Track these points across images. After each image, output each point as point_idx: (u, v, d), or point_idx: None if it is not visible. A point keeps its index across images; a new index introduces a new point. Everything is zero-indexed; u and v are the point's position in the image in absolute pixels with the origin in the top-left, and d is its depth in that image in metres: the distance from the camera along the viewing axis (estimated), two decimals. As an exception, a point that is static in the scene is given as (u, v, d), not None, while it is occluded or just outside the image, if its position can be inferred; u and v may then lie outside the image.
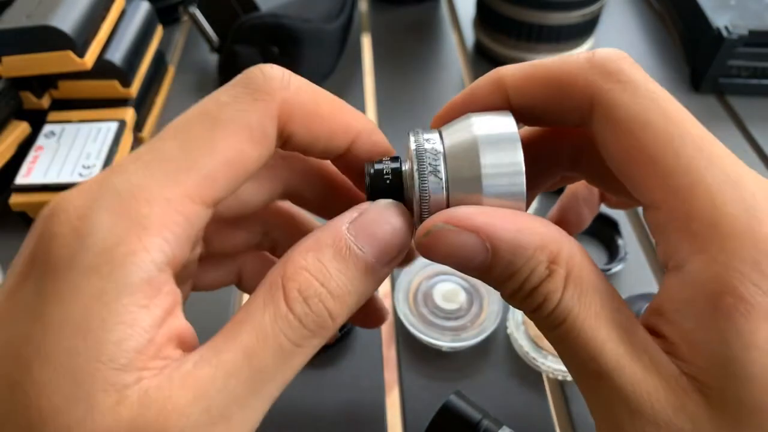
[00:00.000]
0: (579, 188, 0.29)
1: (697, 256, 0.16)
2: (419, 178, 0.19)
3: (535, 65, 0.21)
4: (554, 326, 0.18)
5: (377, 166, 0.21)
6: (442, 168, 0.19)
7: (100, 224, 0.16)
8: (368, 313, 0.28)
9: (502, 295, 0.19)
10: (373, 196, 0.21)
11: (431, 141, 0.20)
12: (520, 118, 0.21)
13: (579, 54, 0.20)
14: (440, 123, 0.21)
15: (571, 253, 0.18)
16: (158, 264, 0.16)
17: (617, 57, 0.19)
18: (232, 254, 0.26)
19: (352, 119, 0.21)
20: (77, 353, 0.15)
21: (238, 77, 0.19)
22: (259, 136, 0.18)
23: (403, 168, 0.21)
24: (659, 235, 0.18)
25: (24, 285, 0.17)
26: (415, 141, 0.20)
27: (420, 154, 0.19)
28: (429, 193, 0.19)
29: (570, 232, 0.27)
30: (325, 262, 0.18)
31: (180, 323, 0.17)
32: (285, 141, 0.20)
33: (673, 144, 0.17)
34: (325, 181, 0.25)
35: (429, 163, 0.19)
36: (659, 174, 0.17)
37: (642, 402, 0.17)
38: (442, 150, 0.19)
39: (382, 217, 0.19)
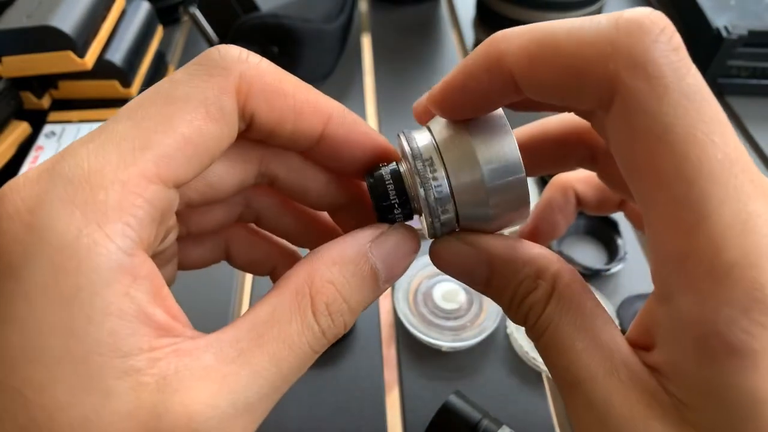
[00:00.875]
0: (554, 196, 0.29)
1: (687, 294, 0.16)
2: (422, 183, 0.19)
3: (544, 40, 0.17)
4: (538, 336, 0.19)
5: (376, 175, 0.21)
6: (438, 162, 0.19)
7: (54, 216, 0.15)
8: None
9: (502, 307, 0.21)
10: (378, 204, 0.21)
11: (422, 138, 0.20)
12: (531, 96, 0.19)
13: (599, 25, 0.16)
14: (438, 106, 0.20)
15: (559, 272, 0.19)
16: (125, 249, 0.16)
17: (650, 36, 0.16)
18: (214, 231, 0.25)
19: (320, 99, 0.20)
20: (70, 351, 0.15)
21: (196, 57, 0.19)
22: (216, 112, 0.18)
23: (401, 169, 0.21)
24: (654, 255, 0.17)
25: None
26: (407, 140, 0.20)
27: (413, 150, 0.20)
28: (433, 195, 0.19)
29: (544, 241, 0.27)
30: (349, 277, 0.19)
31: (170, 303, 0.17)
32: (249, 123, 0.19)
33: (688, 171, 0.15)
34: (302, 163, 0.23)
35: (423, 160, 0.19)
36: (666, 200, 0.16)
37: (612, 413, 0.17)
38: (433, 144, 0.20)
39: (401, 246, 0.20)
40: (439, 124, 0.20)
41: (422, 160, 0.19)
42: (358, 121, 0.21)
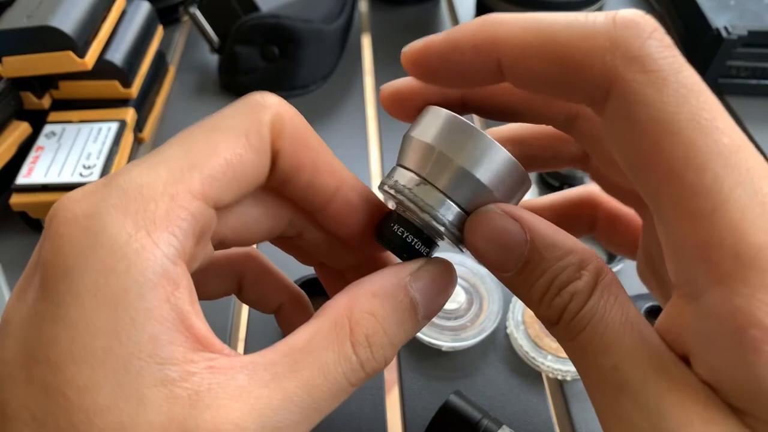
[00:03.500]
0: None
1: (716, 288, 0.15)
2: (422, 210, 0.20)
3: (540, 30, 0.17)
4: (578, 330, 0.18)
5: (386, 231, 0.21)
6: (423, 182, 0.20)
7: (108, 221, 0.16)
8: None
9: (529, 302, 0.19)
10: (405, 255, 0.21)
11: (398, 175, 0.21)
12: (516, 86, 0.19)
13: (597, 20, 0.17)
14: (415, 65, 0.20)
15: (601, 266, 0.18)
16: (170, 258, 0.17)
17: (645, 32, 0.16)
18: (232, 263, 0.27)
19: (338, 165, 0.21)
20: (113, 353, 0.15)
21: (241, 98, 0.20)
22: (255, 142, 0.19)
23: (401, 212, 0.21)
24: (671, 252, 0.16)
25: (33, 286, 0.17)
26: (388, 185, 0.21)
27: (399, 190, 0.20)
28: (439, 213, 0.20)
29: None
30: (390, 311, 0.19)
31: (199, 318, 0.18)
32: (273, 159, 0.20)
33: (697, 158, 0.15)
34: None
35: (410, 189, 0.20)
36: (678, 191, 0.15)
37: (667, 417, 0.16)
38: (410, 173, 0.20)
39: (439, 279, 0.20)
40: (404, 154, 0.21)
41: (409, 190, 0.20)
42: (367, 192, 0.22)
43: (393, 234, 0.21)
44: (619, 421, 0.17)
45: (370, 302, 0.19)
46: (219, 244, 0.21)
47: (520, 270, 0.19)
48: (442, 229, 0.20)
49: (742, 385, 0.15)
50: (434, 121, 0.20)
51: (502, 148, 0.19)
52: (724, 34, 0.50)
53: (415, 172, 0.20)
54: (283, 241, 0.25)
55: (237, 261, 0.27)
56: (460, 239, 0.20)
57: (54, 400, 0.15)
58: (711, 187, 0.15)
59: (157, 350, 0.16)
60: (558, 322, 0.18)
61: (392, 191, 0.20)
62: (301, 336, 0.18)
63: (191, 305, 0.17)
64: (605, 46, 0.16)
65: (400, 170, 0.21)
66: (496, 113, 0.23)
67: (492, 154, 0.19)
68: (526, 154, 0.25)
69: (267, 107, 0.20)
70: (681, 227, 0.16)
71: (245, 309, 0.39)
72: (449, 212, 0.20)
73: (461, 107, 0.21)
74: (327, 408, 0.18)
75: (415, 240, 0.21)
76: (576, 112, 0.22)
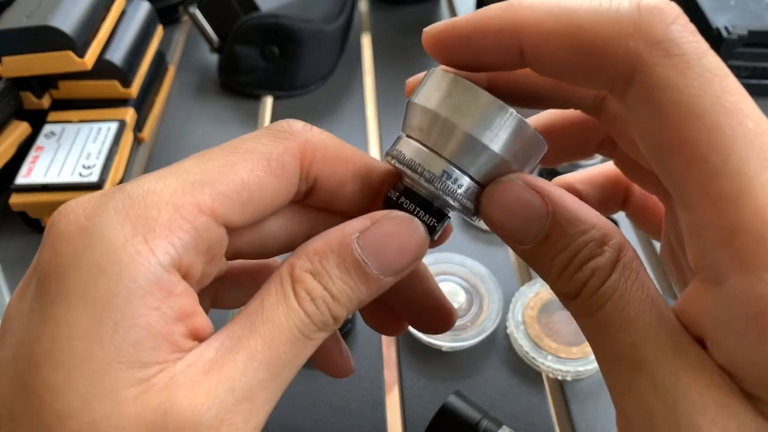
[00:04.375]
0: None
1: (739, 272, 0.15)
2: (427, 180, 0.19)
3: (563, 15, 0.17)
4: (598, 306, 0.17)
5: (388, 202, 0.21)
6: (428, 152, 0.19)
7: (107, 223, 0.16)
8: (431, 316, 0.26)
9: (548, 274, 0.19)
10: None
11: (403, 145, 0.20)
12: (537, 72, 0.19)
13: (620, 7, 0.16)
14: (436, 45, 0.20)
15: (623, 242, 0.18)
16: (165, 266, 0.17)
17: (669, 17, 0.16)
18: (251, 276, 0.26)
19: (376, 165, 0.22)
20: (93, 356, 0.15)
21: (263, 127, 0.20)
22: (277, 168, 0.19)
23: (407, 183, 0.21)
24: (693, 237, 0.16)
25: (31, 284, 0.17)
26: (392, 156, 0.20)
27: (404, 161, 0.20)
28: (444, 181, 0.19)
29: None
30: (329, 268, 0.19)
31: (198, 321, 0.18)
32: (312, 186, 0.21)
33: (722, 141, 0.15)
34: None
35: (418, 162, 0.19)
36: (702, 175, 0.15)
37: (682, 398, 0.15)
38: (415, 142, 0.20)
39: (395, 236, 0.19)
40: (408, 122, 0.20)
41: (415, 162, 0.19)
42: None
43: (397, 207, 0.20)
44: (633, 399, 0.16)
45: (309, 260, 0.19)
46: (234, 257, 0.21)
47: (540, 243, 0.18)
48: (450, 200, 0.19)
49: (759, 370, 0.15)
50: (438, 84, 0.19)
51: (512, 110, 0.18)
52: (724, 33, 0.50)
53: (419, 141, 0.19)
54: None
55: (256, 272, 0.26)
56: (472, 210, 0.20)
57: (29, 399, 0.15)
58: (736, 170, 0.15)
59: (139, 355, 0.16)
60: (576, 297, 0.18)
61: (395, 161, 0.20)
62: (254, 301, 0.18)
63: (181, 313, 0.17)
64: (629, 31, 0.16)
65: (405, 139, 0.20)
66: (523, 98, 0.22)
67: (502, 118, 0.18)
68: (556, 145, 0.24)
69: (294, 135, 0.20)
70: (704, 211, 0.15)
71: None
72: (458, 182, 0.19)
73: (519, 63, 0.19)
74: (290, 362, 0.18)
75: (421, 211, 0.20)
76: (604, 93, 0.21)
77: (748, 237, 0.15)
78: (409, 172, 0.20)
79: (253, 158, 0.19)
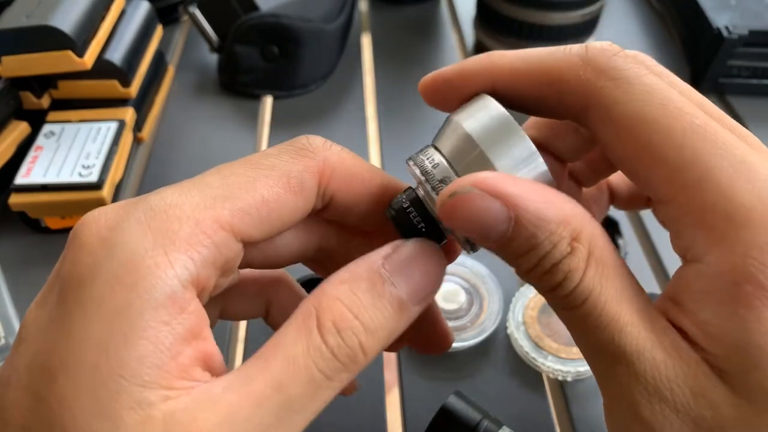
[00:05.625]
0: (589, 190, 0.28)
1: (714, 248, 0.16)
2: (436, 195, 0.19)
3: (527, 58, 0.20)
4: (574, 306, 0.17)
5: (395, 205, 0.21)
6: (453, 176, 0.19)
7: (128, 235, 0.17)
8: (432, 338, 0.26)
9: (517, 271, 0.18)
10: (404, 234, 0.20)
11: (430, 158, 0.20)
12: (510, 107, 0.20)
13: (571, 49, 0.19)
14: (427, 90, 0.22)
15: (594, 233, 0.18)
16: (182, 281, 0.16)
17: (611, 51, 0.19)
18: (261, 288, 0.26)
19: (391, 183, 0.22)
20: (99, 369, 0.15)
21: (287, 141, 0.21)
22: (296, 185, 0.19)
23: (419, 194, 0.20)
24: (673, 228, 0.18)
25: (52, 294, 0.17)
26: (416, 164, 0.20)
27: (426, 173, 0.20)
28: None
29: None
30: (360, 294, 0.18)
31: (207, 346, 0.17)
32: (328, 203, 0.21)
33: (674, 138, 0.17)
34: (360, 244, 0.24)
35: (439, 180, 0.19)
36: (665, 170, 0.17)
37: (661, 387, 0.16)
38: (444, 161, 0.20)
39: (416, 258, 0.19)
40: (443, 137, 0.20)
41: (436, 179, 0.19)
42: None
43: (404, 214, 0.20)
44: (616, 387, 0.17)
45: (337, 288, 0.18)
46: (245, 266, 0.21)
47: (505, 244, 0.18)
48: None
49: (731, 340, 0.16)
50: (484, 114, 0.19)
51: (543, 163, 0.19)
52: (725, 33, 0.50)
53: (448, 162, 0.19)
54: (312, 263, 0.26)
55: (266, 285, 0.26)
56: (471, 246, 0.20)
57: (42, 410, 0.15)
58: (693, 160, 0.17)
59: (141, 371, 0.15)
60: (551, 293, 0.18)
61: (418, 172, 0.20)
62: (273, 337, 0.17)
63: (191, 333, 0.16)
64: (578, 64, 0.19)
65: (433, 152, 0.20)
66: (526, 106, 0.22)
67: (532, 169, 0.19)
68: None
69: (314, 152, 0.20)
70: (675, 201, 0.17)
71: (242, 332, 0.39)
72: None
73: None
74: (303, 406, 0.17)
75: (425, 230, 0.20)
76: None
77: (716, 215, 0.16)
78: (429, 189, 0.19)
79: (273, 175, 0.19)
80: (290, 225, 0.20)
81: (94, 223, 0.17)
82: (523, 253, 0.17)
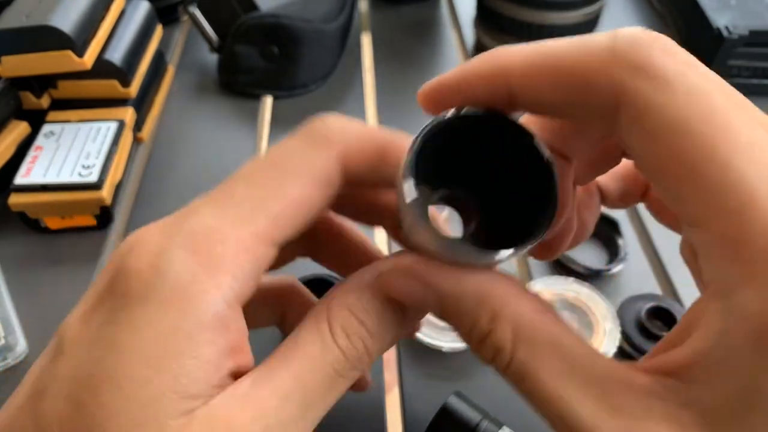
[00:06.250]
0: (578, 195, 0.26)
1: (746, 287, 0.14)
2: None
3: (545, 54, 0.17)
4: (515, 381, 0.18)
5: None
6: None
7: (176, 261, 0.17)
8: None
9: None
10: None
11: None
12: (527, 112, 0.19)
13: (598, 39, 0.17)
14: (428, 101, 0.20)
15: (519, 311, 0.17)
16: (228, 301, 0.18)
17: (647, 42, 0.16)
18: (277, 293, 0.27)
19: (403, 142, 0.21)
20: (150, 383, 0.16)
21: (302, 127, 0.21)
22: (323, 180, 0.20)
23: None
24: (701, 254, 0.16)
25: (98, 312, 0.18)
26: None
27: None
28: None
29: (576, 243, 0.25)
30: (365, 303, 0.19)
31: (245, 359, 0.18)
32: (350, 179, 0.21)
33: (719, 156, 0.15)
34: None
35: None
36: (703, 190, 0.15)
37: None
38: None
39: (414, 270, 0.20)
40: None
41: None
42: None
43: None
44: None
45: (345, 297, 0.20)
46: None
47: (440, 315, 0.19)
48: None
49: (741, 385, 0.14)
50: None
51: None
52: (725, 33, 0.50)
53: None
54: (328, 253, 0.27)
55: (281, 293, 0.27)
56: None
57: (83, 418, 0.16)
58: (736, 183, 0.14)
59: (190, 387, 0.17)
60: (491, 367, 0.18)
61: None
62: (291, 337, 0.19)
63: (232, 347, 0.18)
64: (608, 60, 0.16)
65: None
66: (546, 110, 0.20)
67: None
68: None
69: (332, 140, 0.20)
70: (709, 226, 0.15)
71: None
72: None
73: (509, 105, 0.19)
74: (319, 397, 0.18)
75: None
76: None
77: (755, 250, 0.14)
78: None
79: (300, 175, 0.19)
80: (318, 215, 0.20)
81: (143, 248, 0.18)
82: (454, 324, 0.19)
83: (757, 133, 0.15)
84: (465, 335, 0.19)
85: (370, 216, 0.26)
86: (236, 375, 0.18)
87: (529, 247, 0.18)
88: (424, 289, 0.19)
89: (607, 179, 0.26)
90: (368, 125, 0.22)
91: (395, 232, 0.26)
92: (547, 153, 0.18)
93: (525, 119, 0.22)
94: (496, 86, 0.18)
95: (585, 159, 0.23)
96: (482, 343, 0.18)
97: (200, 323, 0.17)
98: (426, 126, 0.18)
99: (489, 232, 0.21)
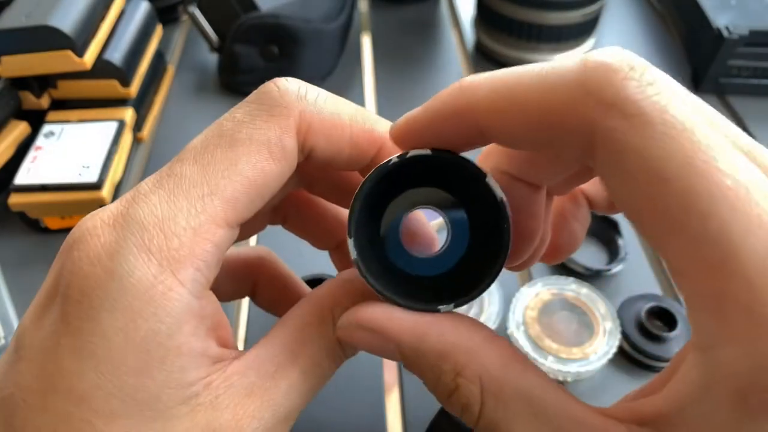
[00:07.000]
0: (563, 205, 0.25)
1: (728, 344, 0.14)
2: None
3: (510, 90, 0.16)
4: None
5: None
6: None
7: (132, 263, 0.16)
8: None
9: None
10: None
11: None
12: (500, 145, 0.19)
13: (566, 70, 0.15)
14: (399, 137, 0.19)
15: (485, 365, 0.17)
16: (194, 293, 0.17)
17: (619, 72, 0.15)
18: (246, 265, 0.27)
19: (375, 127, 0.21)
20: (146, 388, 0.16)
21: (254, 93, 0.19)
22: (278, 152, 0.18)
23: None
24: (686, 302, 0.15)
25: (51, 315, 0.17)
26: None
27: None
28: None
29: (566, 254, 0.25)
30: (369, 304, 0.19)
31: (226, 329, 0.19)
32: (308, 154, 0.20)
33: (700, 205, 0.14)
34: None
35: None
36: (683, 240, 0.14)
37: None
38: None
39: (351, 318, 0.20)
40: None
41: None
42: None
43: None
44: None
45: (352, 300, 0.20)
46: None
47: (407, 367, 0.19)
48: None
49: None
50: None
51: None
52: (725, 33, 0.50)
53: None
54: (299, 221, 0.26)
55: (250, 265, 0.27)
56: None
57: (76, 427, 0.16)
58: (718, 235, 0.13)
59: (185, 377, 0.17)
60: (462, 417, 0.17)
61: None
62: (294, 325, 0.20)
63: (212, 329, 0.18)
64: (579, 97, 0.15)
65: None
66: (518, 145, 0.19)
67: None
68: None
69: (288, 107, 0.19)
70: (691, 277, 0.14)
71: (244, 310, 0.39)
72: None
73: (480, 139, 0.18)
74: (319, 388, 0.20)
75: None
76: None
77: (736, 307, 0.13)
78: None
79: (253, 150, 0.18)
80: (278, 189, 0.19)
81: (92, 249, 0.17)
82: (419, 377, 0.18)
83: (742, 174, 0.14)
84: (431, 389, 0.18)
85: (346, 199, 0.24)
86: (222, 344, 0.19)
87: (471, 300, 0.18)
88: (385, 344, 0.18)
89: (593, 188, 0.25)
90: (332, 95, 0.20)
91: None
92: (500, 193, 0.18)
93: (487, 150, 0.21)
94: (462, 123, 0.17)
95: (561, 179, 0.22)
96: (449, 399, 0.17)
97: (175, 323, 0.17)
98: (366, 177, 0.19)
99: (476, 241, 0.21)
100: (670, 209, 0.14)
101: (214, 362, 0.18)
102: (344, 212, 0.26)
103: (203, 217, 0.17)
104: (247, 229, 0.22)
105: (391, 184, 0.19)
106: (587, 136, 0.15)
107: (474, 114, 0.17)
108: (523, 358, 0.17)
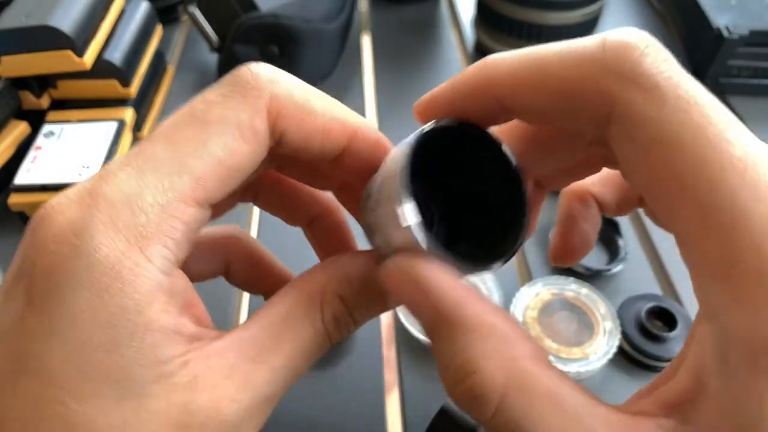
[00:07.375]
0: (574, 206, 0.26)
1: (736, 308, 0.14)
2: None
3: (532, 64, 0.17)
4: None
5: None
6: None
7: (98, 240, 0.16)
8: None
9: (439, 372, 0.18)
10: None
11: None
12: (520, 120, 0.20)
13: (587, 46, 0.16)
14: (423, 111, 0.20)
15: (516, 355, 0.16)
16: (163, 270, 0.17)
17: (636, 50, 0.16)
18: (217, 242, 0.27)
19: (347, 116, 0.21)
20: (116, 365, 0.16)
21: (227, 76, 0.19)
22: (249, 133, 0.18)
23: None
24: (692, 272, 0.16)
25: (17, 297, 0.17)
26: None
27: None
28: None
29: (579, 257, 0.25)
30: (357, 296, 0.20)
31: (200, 309, 0.19)
32: (278, 140, 0.20)
33: (710, 172, 0.14)
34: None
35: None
36: (694, 207, 0.15)
37: None
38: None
39: (403, 265, 0.19)
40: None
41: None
42: (380, 138, 0.22)
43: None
44: None
45: (341, 287, 0.20)
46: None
47: (428, 327, 0.18)
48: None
49: (740, 412, 0.14)
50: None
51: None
52: (725, 33, 0.50)
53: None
54: (271, 199, 0.26)
55: (223, 243, 0.27)
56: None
57: (47, 409, 0.16)
58: (728, 201, 0.14)
59: (157, 354, 0.16)
60: (470, 414, 0.16)
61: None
62: (279, 309, 0.19)
63: (184, 306, 0.18)
64: (598, 70, 0.16)
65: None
66: (537, 119, 0.20)
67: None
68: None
69: (260, 89, 0.19)
70: (700, 244, 0.15)
71: (245, 306, 0.39)
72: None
73: (501, 114, 0.19)
74: (302, 373, 0.20)
75: None
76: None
77: (745, 271, 0.14)
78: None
79: (224, 130, 0.18)
80: (250, 172, 0.19)
81: (57, 227, 0.16)
82: (436, 349, 0.17)
83: (750, 147, 0.15)
84: (443, 367, 0.17)
85: (319, 181, 0.25)
86: (198, 323, 0.18)
87: (512, 257, 0.19)
88: (424, 300, 0.17)
89: (603, 189, 0.25)
90: (305, 84, 0.20)
91: (347, 200, 0.25)
92: (515, 161, 0.19)
93: (498, 129, 0.22)
94: (485, 97, 0.18)
95: (564, 168, 0.22)
96: (462, 383, 0.16)
97: (143, 299, 0.16)
98: (412, 141, 0.18)
99: (448, 235, 0.22)
100: (683, 176, 0.15)
101: (191, 341, 0.17)
102: (315, 190, 0.26)
103: (171, 195, 0.17)
104: (217, 207, 0.23)
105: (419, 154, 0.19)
106: (606, 108, 0.16)
107: (497, 88, 0.18)
108: (548, 359, 0.17)
